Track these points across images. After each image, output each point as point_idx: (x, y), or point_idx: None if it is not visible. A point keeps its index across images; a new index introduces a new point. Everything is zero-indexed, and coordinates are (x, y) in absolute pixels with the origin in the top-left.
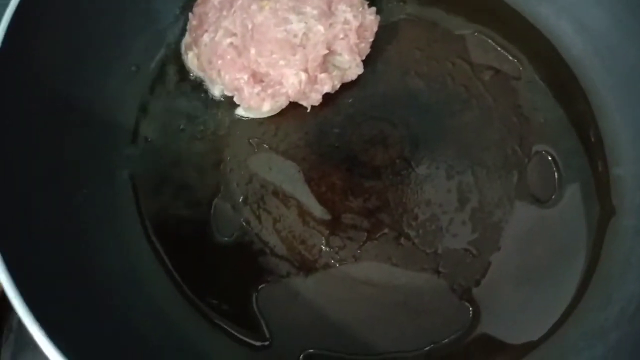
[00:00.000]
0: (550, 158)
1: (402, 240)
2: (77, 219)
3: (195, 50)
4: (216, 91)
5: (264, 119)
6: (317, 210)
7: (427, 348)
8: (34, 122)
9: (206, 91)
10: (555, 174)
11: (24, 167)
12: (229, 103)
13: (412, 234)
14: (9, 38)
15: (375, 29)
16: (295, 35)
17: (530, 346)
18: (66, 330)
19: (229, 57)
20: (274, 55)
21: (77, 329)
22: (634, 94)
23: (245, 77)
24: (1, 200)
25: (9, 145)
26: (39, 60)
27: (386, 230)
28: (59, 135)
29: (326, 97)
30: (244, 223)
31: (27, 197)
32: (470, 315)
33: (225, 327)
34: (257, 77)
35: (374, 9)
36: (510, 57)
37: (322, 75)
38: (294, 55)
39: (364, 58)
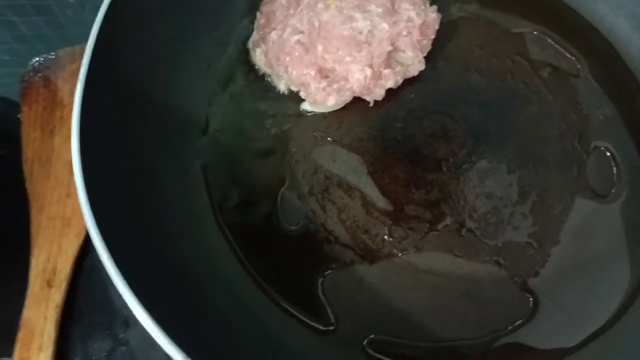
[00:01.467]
0: (609, 154)
1: (464, 231)
2: (157, 207)
3: (263, 47)
4: (282, 86)
5: (328, 113)
6: (380, 201)
7: (488, 337)
8: (119, 116)
9: (273, 87)
10: (614, 169)
11: (113, 158)
12: (295, 98)
13: (473, 225)
14: (99, 40)
15: (436, 26)
16: (360, 32)
17: (593, 336)
18: (155, 304)
19: (296, 53)
20: (340, 52)
21: (164, 305)
22: None
23: (312, 72)
24: (100, 188)
25: (102, 137)
26: (123, 59)
27: (448, 222)
28: (139, 128)
29: (389, 92)
30: (309, 213)
31: (117, 187)
32: (531, 305)
33: (293, 311)
34: (323, 73)
35: (435, 7)
36: (569, 55)
37: (386, 71)
38: (360, 51)
39: (425, 54)
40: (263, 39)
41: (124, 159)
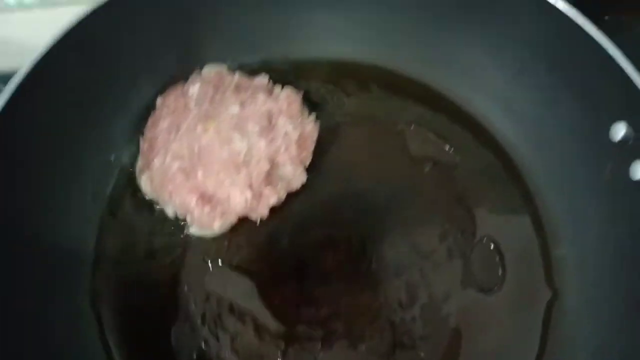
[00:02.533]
0: (492, 245)
1: (357, 346)
2: (43, 342)
3: (148, 173)
4: (170, 212)
5: (216, 236)
6: (272, 324)
7: None
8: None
9: (162, 212)
10: (498, 259)
11: None
12: (183, 223)
13: (366, 338)
14: None
15: (315, 136)
16: (238, 154)
17: None
18: None
19: (178, 180)
20: (219, 176)
21: None
22: (567, 177)
23: (195, 199)
24: None
25: None
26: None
27: (340, 337)
28: (23, 269)
29: (273, 208)
30: (202, 344)
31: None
32: None
33: None
34: (205, 198)
35: (313, 116)
36: (447, 147)
37: (267, 190)
38: (239, 173)
39: (307, 165)
40: (147, 165)
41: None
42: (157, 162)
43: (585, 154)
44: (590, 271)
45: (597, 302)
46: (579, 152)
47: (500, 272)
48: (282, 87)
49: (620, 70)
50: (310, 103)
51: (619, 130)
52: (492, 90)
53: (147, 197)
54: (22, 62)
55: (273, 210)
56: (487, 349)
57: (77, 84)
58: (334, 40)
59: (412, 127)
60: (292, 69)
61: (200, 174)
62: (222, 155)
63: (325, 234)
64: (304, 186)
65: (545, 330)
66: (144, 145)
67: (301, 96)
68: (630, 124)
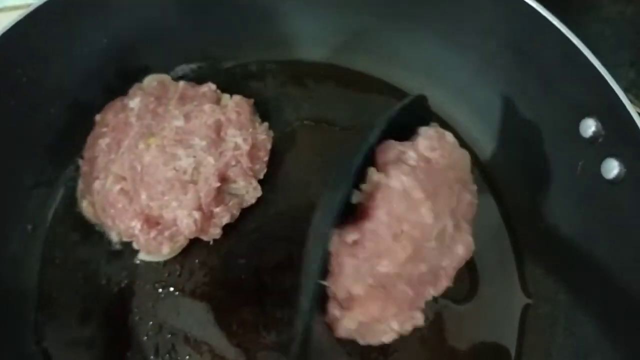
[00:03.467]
0: None
1: None
2: None
3: (89, 198)
4: (115, 238)
5: (166, 260)
6: (231, 352)
7: None
8: None
9: (107, 238)
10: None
11: None
12: (131, 249)
13: None
14: None
15: (269, 147)
16: (185, 172)
17: None
18: None
19: (119, 205)
20: (165, 197)
21: None
22: (537, 176)
23: (139, 224)
24: None
25: None
26: None
27: None
28: None
29: (228, 227)
30: None
31: None
32: None
33: None
34: (151, 222)
35: (265, 125)
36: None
37: (218, 209)
38: (186, 194)
39: (261, 177)
40: (88, 189)
41: None
42: (97, 185)
43: (555, 152)
44: (564, 273)
45: (572, 307)
46: (549, 150)
47: (471, 281)
48: (231, 95)
49: (589, 65)
50: (262, 110)
51: (589, 127)
52: (456, 87)
53: (90, 223)
54: None
55: (227, 228)
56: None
57: (2, 108)
58: (287, 40)
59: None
60: (243, 72)
61: (144, 196)
62: (166, 174)
63: (285, 251)
64: (259, 200)
65: (521, 341)
66: (83, 167)
67: (252, 104)
68: (600, 120)
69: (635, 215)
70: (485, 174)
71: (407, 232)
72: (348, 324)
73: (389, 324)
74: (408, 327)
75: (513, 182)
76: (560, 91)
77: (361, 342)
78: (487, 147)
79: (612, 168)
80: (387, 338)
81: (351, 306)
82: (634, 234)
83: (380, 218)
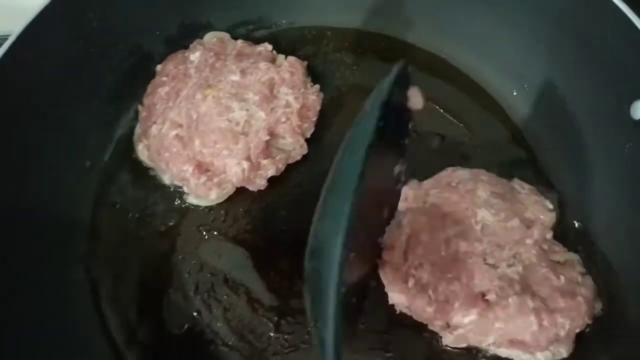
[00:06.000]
0: None
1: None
2: (35, 313)
3: (145, 141)
4: (167, 180)
5: (213, 206)
6: (266, 296)
7: None
8: None
9: (158, 181)
10: None
11: None
12: (180, 192)
13: (363, 314)
14: None
15: (318, 107)
16: (237, 124)
17: None
18: None
19: (174, 149)
20: (217, 145)
21: None
22: (583, 157)
23: (191, 169)
24: None
25: None
26: None
27: None
28: (18, 239)
29: (273, 179)
30: (195, 314)
31: None
32: None
33: None
34: (202, 168)
35: (317, 87)
36: (456, 122)
37: (265, 161)
38: (237, 144)
39: (308, 137)
40: (145, 133)
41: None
42: (154, 129)
43: (603, 132)
44: (604, 249)
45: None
46: (596, 130)
47: None
48: (286, 56)
49: None
50: (315, 73)
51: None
52: (506, 64)
53: (144, 165)
54: (13, 27)
55: (272, 181)
56: None
57: (71, 47)
58: (341, 9)
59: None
60: (297, 38)
61: (197, 143)
62: (220, 125)
63: None
64: (304, 158)
65: None
66: (142, 112)
67: (305, 66)
68: None
69: None
70: (530, 153)
71: None
72: None
73: None
74: None
75: (558, 163)
76: (615, 72)
77: None
78: (533, 125)
79: None
80: None
81: None
82: None
83: None
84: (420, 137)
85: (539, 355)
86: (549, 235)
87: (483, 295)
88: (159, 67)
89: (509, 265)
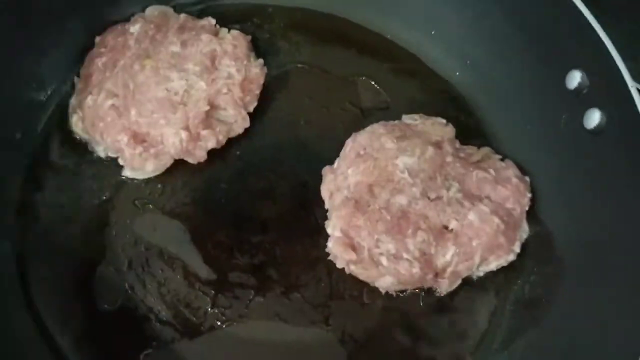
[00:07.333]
0: None
1: (291, 295)
2: None
3: (80, 113)
4: (102, 153)
5: (150, 178)
6: (203, 270)
7: None
8: None
9: (92, 154)
10: None
11: None
12: (116, 165)
13: (301, 287)
14: None
15: (261, 81)
16: (176, 93)
17: None
18: None
19: (109, 119)
20: (154, 115)
21: None
22: (523, 127)
23: (126, 138)
24: None
25: None
26: None
27: (274, 286)
28: None
29: (213, 152)
30: (128, 289)
31: None
32: None
33: None
34: (138, 138)
35: (260, 61)
36: (398, 98)
37: (205, 132)
38: (175, 113)
39: (251, 110)
40: (80, 104)
41: None
42: (89, 100)
43: (540, 103)
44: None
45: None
46: (534, 101)
47: None
48: (229, 30)
49: (578, 14)
50: (261, 48)
51: (574, 78)
52: (450, 43)
53: (78, 137)
54: None
55: (212, 155)
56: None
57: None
58: None
59: (363, 78)
60: (243, 13)
61: (133, 112)
62: (157, 94)
63: (266, 182)
64: (247, 132)
65: None
66: (78, 84)
67: (249, 40)
68: (585, 71)
69: (613, 162)
70: (473, 125)
71: None
72: None
73: None
74: None
75: (500, 133)
76: (549, 44)
77: None
78: (475, 98)
79: (594, 119)
80: None
81: None
82: (611, 180)
83: None
84: (363, 113)
85: (515, 247)
86: (457, 144)
87: (446, 227)
88: (98, 39)
89: (448, 189)
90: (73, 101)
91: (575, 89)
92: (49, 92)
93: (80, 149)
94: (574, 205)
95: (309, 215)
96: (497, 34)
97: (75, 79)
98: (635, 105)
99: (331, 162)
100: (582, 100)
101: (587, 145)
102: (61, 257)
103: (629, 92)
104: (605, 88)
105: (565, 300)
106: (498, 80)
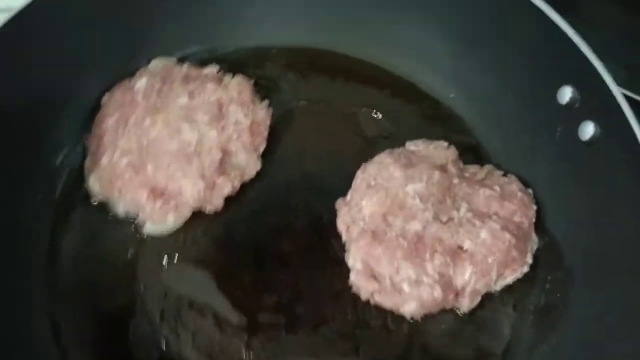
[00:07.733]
0: None
1: (320, 329)
2: None
3: (97, 172)
4: (121, 211)
5: (171, 231)
6: (233, 315)
7: None
8: None
9: (113, 213)
10: None
11: None
12: (136, 222)
13: (329, 319)
14: None
15: (268, 122)
16: (189, 144)
17: None
18: None
19: (127, 176)
20: (170, 167)
21: None
22: (521, 144)
23: (145, 193)
24: None
25: None
26: None
27: (303, 322)
28: None
29: (229, 199)
30: (162, 342)
31: None
32: None
33: None
34: (157, 192)
35: (266, 102)
36: (399, 126)
37: (220, 179)
38: (190, 164)
39: (261, 152)
40: (95, 164)
41: None
42: (105, 159)
43: (536, 118)
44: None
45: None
46: (529, 119)
47: None
48: (233, 76)
49: (565, 37)
50: (264, 90)
51: (565, 94)
52: (445, 70)
53: (96, 198)
54: None
55: (228, 200)
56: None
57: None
58: (286, 27)
59: (364, 109)
60: (244, 58)
61: (150, 167)
62: (171, 147)
63: (282, 220)
64: (259, 173)
65: None
66: (91, 144)
67: (252, 83)
68: (575, 86)
69: (608, 170)
70: (472, 146)
71: None
72: None
73: None
74: None
75: (499, 153)
76: (539, 64)
77: None
78: (472, 120)
79: (588, 131)
80: None
81: None
82: (609, 188)
83: None
84: (367, 141)
85: (527, 259)
86: (461, 164)
87: (461, 247)
88: (105, 98)
89: (458, 209)
90: (87, 163)
91: (567, 103)
92: (60, 158)
93: (100, 209)
94: (576, 213)
95: (327, 247)
96: (487, 57)
97: (87, 140)
98: (624, 115)
99: (342, 193)
100: (574, 114)
101: (584, 156)
102: (94, 315)
103: (617, 102)
104: (596, 100)
105: (580, 304)
106: (493, 98)
